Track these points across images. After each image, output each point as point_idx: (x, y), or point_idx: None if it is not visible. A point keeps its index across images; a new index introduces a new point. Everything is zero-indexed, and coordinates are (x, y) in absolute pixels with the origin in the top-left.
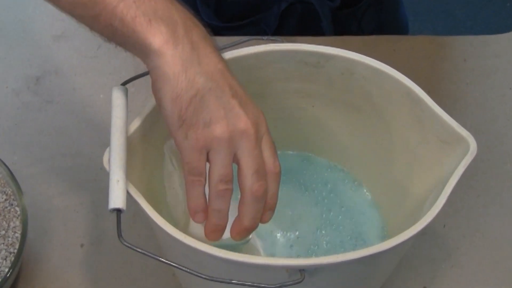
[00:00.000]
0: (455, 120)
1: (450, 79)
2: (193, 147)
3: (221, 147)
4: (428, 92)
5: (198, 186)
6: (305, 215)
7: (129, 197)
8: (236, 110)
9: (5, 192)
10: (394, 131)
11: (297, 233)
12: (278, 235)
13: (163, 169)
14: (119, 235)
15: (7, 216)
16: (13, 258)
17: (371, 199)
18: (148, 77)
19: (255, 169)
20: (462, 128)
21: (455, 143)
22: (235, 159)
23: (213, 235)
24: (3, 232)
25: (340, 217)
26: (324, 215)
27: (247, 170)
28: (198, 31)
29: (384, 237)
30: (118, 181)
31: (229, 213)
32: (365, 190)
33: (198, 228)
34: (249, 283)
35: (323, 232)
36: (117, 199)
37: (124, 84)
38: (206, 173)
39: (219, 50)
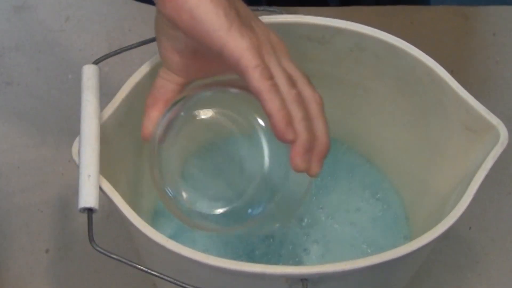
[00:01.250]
0: (482, 105)
1: (477, 57)
2: (253, 44)
3: (271, 50)
4: (452, 72)
5: (277, 91)
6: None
7: (102, 194)
8: (260, 22)
9: None
10: (412, 118)
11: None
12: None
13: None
14: (91, 238)
15: None
16: None
17: (391, 189)
18: (124, 55)
19: (307, 78)
20: (491, 114)
21: (483, 131)
22: None
23: (305, 157)
24: None
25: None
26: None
27: (303, 79)
28: None
29: (408, 233)
30: (90, 176)
31: None
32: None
33: None
34: None
35: (336, 226)
36: (88, 197)
37: (96, 62)
38: None
39: None
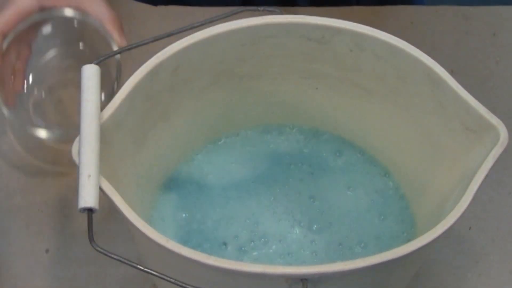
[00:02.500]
0: (482, 105)
1: (477, 57)
2: None
3: None
4: (451, 72)
5: None
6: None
7: (102, 194)
8: None
9: None
10: (412, 118)
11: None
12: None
13: None
14: (91, 238)
15: None
16: None
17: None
18: (124, 55)
19: None
20: (491, 114)
21: (483, 131)
22: None
23: None
24: None
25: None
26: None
27: None
28: None
29: (411, 232)
30: (90, 176)
31: None
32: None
33: None
34: None
35: (337, 224)
36: (88, 197)
37: (96, 62)
38: None
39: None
